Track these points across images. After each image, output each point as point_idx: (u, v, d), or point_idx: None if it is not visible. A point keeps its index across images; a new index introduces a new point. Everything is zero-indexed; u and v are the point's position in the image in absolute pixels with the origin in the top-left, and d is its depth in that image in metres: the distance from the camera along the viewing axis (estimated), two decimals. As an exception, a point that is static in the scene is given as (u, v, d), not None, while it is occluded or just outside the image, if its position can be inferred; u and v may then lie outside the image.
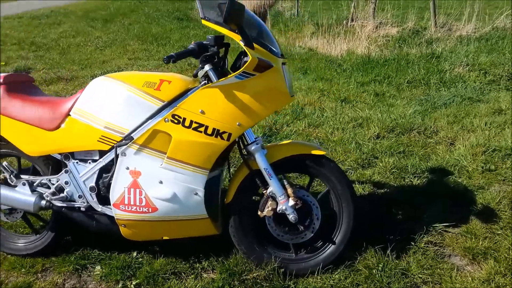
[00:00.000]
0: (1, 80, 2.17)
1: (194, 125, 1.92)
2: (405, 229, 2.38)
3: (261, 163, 2.01)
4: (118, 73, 2.17)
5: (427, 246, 2.26)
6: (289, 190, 2.03)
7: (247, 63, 1.89)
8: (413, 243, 2.26)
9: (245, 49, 1.87)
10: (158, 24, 9.57)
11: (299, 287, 2.05)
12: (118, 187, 2.03)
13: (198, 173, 1.96)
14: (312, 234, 2.12)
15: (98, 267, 2.28)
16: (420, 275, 2.07)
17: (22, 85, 2.26)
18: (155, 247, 2.38)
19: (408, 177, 2.93)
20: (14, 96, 2.16)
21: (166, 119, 1.93)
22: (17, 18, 11.66)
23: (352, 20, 10.18)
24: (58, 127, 2.10)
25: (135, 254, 2.33)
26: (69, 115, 2.09)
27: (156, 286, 2.12)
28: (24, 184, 2.19)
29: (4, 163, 2.24)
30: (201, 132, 1.92)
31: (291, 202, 2.01)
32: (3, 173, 2.25)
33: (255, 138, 2.06)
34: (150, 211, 2.02)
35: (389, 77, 5.07)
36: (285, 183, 2.05)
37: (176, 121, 1.93)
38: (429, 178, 2.91)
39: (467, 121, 3.72)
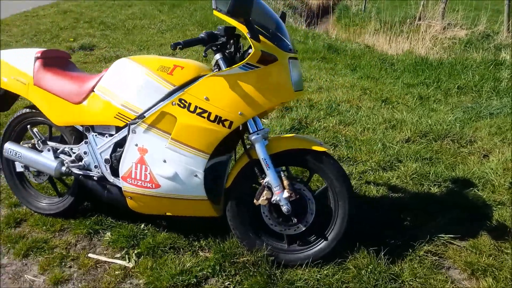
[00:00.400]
0: (39, 55, 2.39)
1: (198, 110, 2.01)
2: (409, 235, 2.33)
3: (260, 153, 2.06)
4: (139, 56, 2.31)
5: (426, 255, 2.20)
6: (285, 182, 2.07)
7: (250, 55, 1.94)
8: (411, 250, 2.21)
9: (250, 41, 1.92)
10: (221, 11, 9.75)
11: (284, 277, 2.09)
12: (127, 162, 2.18)
13: (199, 156, 2.05)
14: (305, 228, 2.14)
15: (108, 233, 2.47)
16: (411, 283, 2.03)
17: (57, 60, 2.47)
18: (162, 221, 2.53)
19: (427, 184, 2.83)
20: (48, 70, 2.37)
21: (173, 103, 2.04)
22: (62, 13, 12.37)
23: (420, 19, 9.77)
24: (82, 101, 2.28)
25: (142, 226, 2.49)
26: (93, 91, 2.26)
27: (155, 257, 2.26)
28: (49, 150, 2.41)
29: (35, 130, 2.48)
30: (204, 117, 2.01)
31: (286, 194, 2.05)
32: (34, 138, 2.48)
33: (259, 129, 2.11)
34: (153, 187, 2.15)
35: (439, 81, 4.85)
36: (282, 175, 2.09)
37: (182, 105, 2.03)
38: (449, 187, 2.80)
39: (510, 134, 3.50)
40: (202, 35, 1.99)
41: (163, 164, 2.10)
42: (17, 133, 2.59)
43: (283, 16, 2.35)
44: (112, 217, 2.57)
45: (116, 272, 2.20)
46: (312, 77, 5.16)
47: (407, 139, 3.44)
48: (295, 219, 2.13)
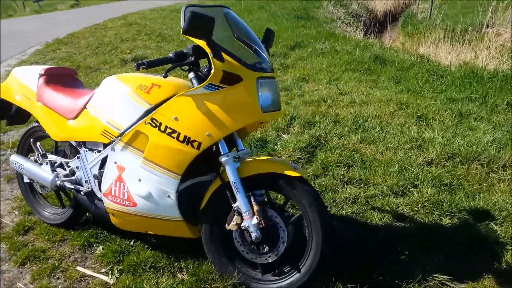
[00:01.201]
0: (42, 72, 2.53)
1: (168, 130, 1.99)
2: (399, 271, 2.12)
3: (230, 176, 2.00)
4: (125, 74, 2.35)
5: (413, 297, 1.99)
6: (255, 208, 1.98)
7: (211, 75, 1.89)
8: (396, 290, 2.01)
9: (212, 61, 1.87)
10: (276, 22, 9.76)
11: (252, 308, 1.99)
12: (108, 179, 2.22)
13: (170, 176, 2.03)
14: (276, 257, 2.03)
15: (100, 247, 2.54)
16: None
17: (61, 77, 2.60)
18: (152, 238, 2.54)
19: (438, 214, 2.57)
20: (49, 86, 2.50)
21: (146, 122, 2.04)
22: (160, 10, 13.06)
23: (488, 27, 9.05)
24: (76, 117, 2.37)
25: (132, 242, 2.53)
26: (85, 108, 2.34)
27: (135, 275, 2.28)
28: (47, 164, 2.54)
29: (38, 144, 2.62)
30: (173, 138, 1.99)
31: (255, 220, 1.96)
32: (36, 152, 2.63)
33: (239, 149, 2.07)
34: (131, 205, 2.17)
35: (486, 96, 4.42)
36: (253, 200, 2.00)
37: (153, 125, 2.02)
38: (463, 219, 2.51)
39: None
40: (171, 55, 1.97)
41: (138, 183, 2.11)
42: (28, 146, 2.76)
43: (268, 33, 2.28)
44: (107, 231, 2.63)
45: (96, 287, 2.24)
46: (348, 90, 4.95)
47: (430, 161, 3.16)
48: (267, 247, 2.03)
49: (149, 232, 2.31)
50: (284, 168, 2.00)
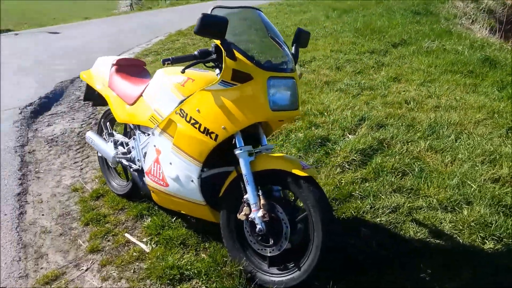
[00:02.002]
0: (114, 62, 2.90)
1: (192, 121, 2.18)
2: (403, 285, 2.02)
3: (243, 168, 2.10)
4: (170, 67, 2.58)
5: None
6: (262, 201, 2.06)
7: (222, 73, 2.00)
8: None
9: (224, 59, 1.98)
10: (389, 17, 9.34)
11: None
12: (149, 159, 2.49)
13: (193, 163, 2.22)
14: (278, 252, 2.09)
15: (148, 220, 2.86)
16: None
17: (130, 67, 2.95)
18: (192, 219, 2.76)
19: (482, 236, 2.33)
20: (118, 75, 2.87)
21: (176, 112, 2.25)
22: (277, 4, 13.36)
23: None
24: (134, 103, 2.69)
25: (174, 218, 2.79)
26: (141, 95, 2.65)
27: (166, 248, 2.53)
28: (111, 142, 2.92)
29: (108, 124, 3.03)
30: (196, 128, 2.16)
31: (260, 213, 2.04)
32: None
33: (263, 145, 2.22)
34: (164, 185, 2.41)
35: None
36: (260, 193, 2.08)
37: (181, 115, 2.22)
38: (507, 247, 2.24)
39: None
40: (196, 52, 2.13)
41: (169, 166, 2.34)
42: (105, 125, 3.19)
43: (299, 33, 2.31)
44: (158, 206, 2.93)
45: (134, 254, 2.55)
46: (439, 93, 4.61)
47: (497, 178, 2.84)
48: (272, 241, 2.10)
49: (181, 212, 2.53)
50: (293, 166, 2.04)
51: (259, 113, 2.05)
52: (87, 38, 11.34)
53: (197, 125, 2.16)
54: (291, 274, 2.08)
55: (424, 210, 2.63)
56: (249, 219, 2.10)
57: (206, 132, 2.13)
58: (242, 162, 2.11)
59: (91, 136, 3.07)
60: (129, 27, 12.29)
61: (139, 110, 2.63)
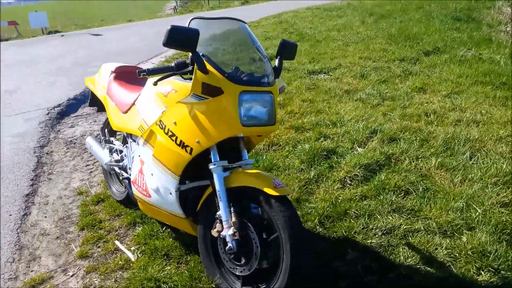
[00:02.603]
0: (113, 69, 2.93)
1: (169, 133, 2.15)
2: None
3: (216, 184, 2.05)
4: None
5: None
6: (233, 219, 1.99)
7: (191, 85, 1.95)
8: None
9: (195, 72, 1.93)
10: (427, 23, 8.98)
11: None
12: (134, 169, 2.49)
13: (170, 176, 2.19)
14: (249, 272, 2.02)
15: (140, 228, 2.86)
16: None
17: (128, 75, 2.96)
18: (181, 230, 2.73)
19: (478, 266, 2.14)
20: (116, 82, 2.89)
21: (156, 123, 2.23)
22: (314, 8, 13.21)
23: None
24: (127, 111, 2.70)
25: (164, 228, 2.77)
26: (134, 103, 2.66)
27: (150, 258, 2.51)
28: (107, 148, 2.95)
29: (106, 130, 3.07)
30: (173, 141, 2.13)
31: (230, 231, 1.98)
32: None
33: (243, 159, 2.17)
34: (147, 195, 2.40)
35: None
36: (232, 211, 2.01)
37: (161, 126, 2.20)
38: (503, 280, 2.05)
39: None
40: (173, 64, 2.08)
41: (151, 177, 2.33)
42: (103, 132, 3.22)
43: (282, 45, 2.23)
44: (151, 215, 2.93)
45: (120, 262, 2.56)
46: (464, 106, 4.35)
47: (507, 202, 2.62)
48: (244, 260, 2.02)
49: (166, 223, 2.51)
50: (264, 184, 1.95)
51: (230, 128, 1.99)
52: (126, 40, 11.70)
53: (173, 138, 2.13)
54: (256, 299, 2.00)
55: (421, 233, 2.47)
56: (221, 236, 2.04)
57: (182, 145, 2.09)
58: (215, 178, 2.05)
59: (90, 141, 3.12)
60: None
61: (131, 118, 2.63)
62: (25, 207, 3.33)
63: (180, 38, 1.84)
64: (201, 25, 2.06)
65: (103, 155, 2.95)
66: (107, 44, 11.19)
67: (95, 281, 2.43)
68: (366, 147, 3.58)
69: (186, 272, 2.33)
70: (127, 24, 16.88)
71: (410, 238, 2.44)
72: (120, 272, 2.47)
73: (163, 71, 2.07)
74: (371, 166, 3.20)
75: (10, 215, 3.21)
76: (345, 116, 4.27)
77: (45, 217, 3.20)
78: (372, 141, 3.66)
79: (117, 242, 2.76)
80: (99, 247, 2.76)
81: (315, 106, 4.70)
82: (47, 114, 5.60)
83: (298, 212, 2.74)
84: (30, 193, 3.55)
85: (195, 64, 1.93)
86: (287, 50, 2.29)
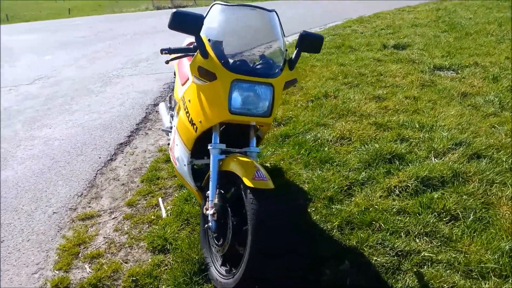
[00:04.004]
0: (189, 42, 3.16)
1: (186, 109, 2.29)
2: None
3: (210, 164, 2.12)
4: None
5: None
6: (216, 200, 2.06)
7: (190, 67, 2.01)
8: None
9: (195, 56, 1.99)
10: None
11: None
12: (171, 137, 2.71)
13: (184, 149, 2.35)
14: (222, 254, 2.08)
15: (183, 192, 3.10)
16: None
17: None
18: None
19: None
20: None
21: (182, 98, 2.39)
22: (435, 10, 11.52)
23: None
24: (184, 83, 2.90)
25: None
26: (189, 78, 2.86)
27: (173, 220, 2.74)
28: (170, 115, 3.23)
29: (172, 98, 3.35)
30: (187, 117, 2.27)
31: (210, 211, 2.06)
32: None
33: (251, 146, 2.20)
34: (174, 163, 2.61)
35: None
36: (216, 192, 2.07)
37: (183, 101, 2.36)
38: None
39: None
40: (192, 46, 2.18)
41: (176, 147, 2.52)
42: (170, 99, 3.51)
43: (301, 37, 2.14)
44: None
45: (152, 217, 2.87)
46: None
47: None
48: (221, 241, 2.09)
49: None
50: (246, 173, 1.94)
51: (219, 113, 2.02)
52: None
53: (187, 114, 2.26)
54: (227, 279, 2.04)
55: (440, 266, 2.16)
56: (205, 214, 2.13)
57: (191, 122, 2.22)
58: (211, 158, 2.13)
59: (161, 107, 3.46)
60: (314, 11, 12.55)
61: (183, 91, 2.84)
62: (113, 153, 3.90)
63: (183, 22, 1.93)
64: (220, 11, 2.12)
65: (165, 121, 3.26)
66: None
67: (125, 227, 2.77)
68: (443, 158, 3.18)
69: (191, 239, 2.49)
70: (276, 1, 17.11)
71: (424, 268, 2.17)
72: (147, 226, 2.77)
73: (183, 51, 2.20)
74: (430, 181, 2.85)
75: (99, 158, 3.80)
76: (441, 121, 3.81)
77: (124, 165, 3.70)
78: (453, 153, 3.22)
79: (159, 199, 3.07)
80: (145, 200, 3.11)
81: (416, 105, 4.29)
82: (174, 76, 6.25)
83: (324, 211, 2.66)
84: (124, 143, 4.12)
85: (199, 48, 2.00)
86: (307, 42, 2.18)
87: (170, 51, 2.17)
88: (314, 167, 3.22)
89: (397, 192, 2.81)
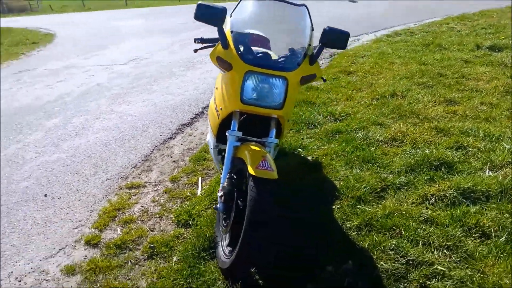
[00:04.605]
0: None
1: (214, 96, 2.42)
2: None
3: (226, 150, 2.22)
4: None
5: None
6: (225, 184, 2.16)
7: (210, 57, 2.11)
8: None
9: (216, 46, 2.09)
10: None
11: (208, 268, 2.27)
12: (209, 120, 2.87)
13: (211, 134, 2.48)
14: (225, 234, 2.17)
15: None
16: None
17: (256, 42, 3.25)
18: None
19: None
20: None
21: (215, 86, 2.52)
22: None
23: None
24: None
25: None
26: None
27: (204, 199, 2.90)
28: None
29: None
30: (214, 103, 2.40)
31: (220, 193, 2.17)
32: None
33: (270, 137, 2.25)
34: (209, 145, 2.76)
35: None
36: (227, 176, 2.17)
37: (216, 88, 2.48)
38: None
39: None
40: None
41: (208, 131, 2.67)
42: None
43: (325, 32, 2.11)
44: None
45: (188, 194, 3.07)
46: None
47: None
48: (227, 222, 2.19)
49: None
50: (251, 161, 2.01)
51: (232, 102, 2.10)
52: (373, 8, 11.72)
53: (214, 101, 2.39)
54: (228, 258, 2.14)
55: (451, 282, 2.02)
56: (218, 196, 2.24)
57: (216, 109, 2.34)
58: (227, 145, 2.22)
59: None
60: (408, 4, 11.90)
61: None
62: (174, 132, 4.19)
63: (206, 14, 2.04)
64: (249, 4, 2.19)
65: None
66: (361, 10, 11.48)
67: (161, 200, 3.00)
68: (498, 172, 2.91)
69: (211, 218, 2.63)
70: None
71: (432, 281, 2.05)
72: (180, 201, 2.97)
73: (213, 41, 2.32)
74: (473, 194, 2.64)
75: (160, 135, 4.11)
76: (510, 132, 3.46)
77: (181, 144, 3.97)
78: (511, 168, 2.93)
79: (199, 179, 3.25)
80: (188, 177, 3.32)
81: (490, 112, 3.93)
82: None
83: (348, 210, 2.63)
84: (186, 124, 4.40)
85: (220, 39, 2.10)
86: (330, 38, 2.14)
87: (202, 40, 2.31)
88: (354, 165, 3.15)
89: (432, 201, 2.65)
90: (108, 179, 3.33)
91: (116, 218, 2.80)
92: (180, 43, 8.61)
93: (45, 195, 3.11)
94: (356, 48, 7.05)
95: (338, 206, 2.69)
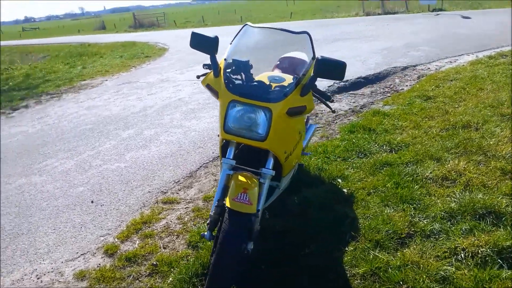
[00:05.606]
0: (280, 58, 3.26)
1: (221, 121, 2.43)
2: None
3: (220, 177, 2.22)
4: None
5: None
6: (212, 213, 2.15)
7: (202, 83, 2.12)
8: None
9: (208, 74, 2.10)
10: None
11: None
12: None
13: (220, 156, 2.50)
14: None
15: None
16: None
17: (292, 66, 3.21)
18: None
19: None
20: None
21: None
22: None
23: None
24: None
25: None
26: None
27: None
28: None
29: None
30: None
31: (208, 221, 2.17)
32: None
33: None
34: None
35: None
36: (216, 205, 2.15)
37: None
38: None
39: None
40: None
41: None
42: None
43: (317, 62, 2.00)
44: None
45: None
46: None
47: None
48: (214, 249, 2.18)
49: None
50: (231, 193, 1.98)
51: (221, 131, 2.09)
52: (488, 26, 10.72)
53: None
54: None
55: None
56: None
57: (218, 134, 2.35)
58: (221, 172, 2.22)
59: None
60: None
61: None
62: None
63: (198, 42, 2.08)
64: (250, 32, 2.18)
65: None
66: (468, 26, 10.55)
67: (186, 218, 3.08)
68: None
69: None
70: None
71: None
72: (202, 221, 3.02)
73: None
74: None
75: (213, 152, 4.24)
76: None
77: (230, 163, 4.03)
78: None
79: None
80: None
81: None
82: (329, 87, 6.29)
83: (359, 253, 2.43)
84: (241, 143, 4.46)
85: (212, 67, 2.11)
86: (323, 68, 2.01)
87: (208, 66, 2.35)
88: (389, 204, 2.89)
89: (461, 256, 2.31)
90: (149, 192, 3.53)
91: (139, 231, 2.96)
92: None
93: (92, 201, 3.41)
94: (448, 70, 6.45)
95: (352, 248, 2.49)
